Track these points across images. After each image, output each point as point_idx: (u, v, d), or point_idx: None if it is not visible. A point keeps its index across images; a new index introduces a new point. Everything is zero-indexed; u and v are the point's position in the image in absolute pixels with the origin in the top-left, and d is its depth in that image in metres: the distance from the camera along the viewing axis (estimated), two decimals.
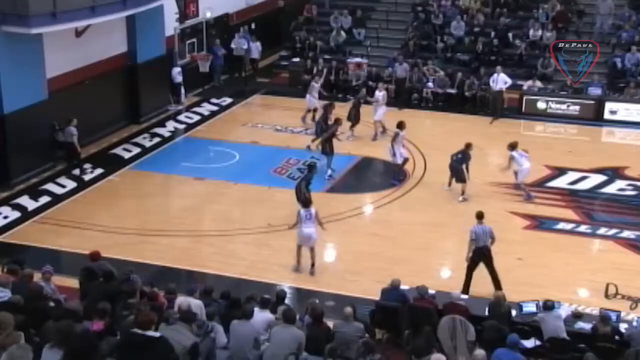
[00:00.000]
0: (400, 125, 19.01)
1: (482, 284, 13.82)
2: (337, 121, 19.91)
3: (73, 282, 12.82)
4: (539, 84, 24.58)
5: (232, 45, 27.19)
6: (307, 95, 22.91)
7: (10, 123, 18.19)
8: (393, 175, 19.15)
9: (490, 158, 21.34)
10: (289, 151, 20.36)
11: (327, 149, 19.26)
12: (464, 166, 17.96)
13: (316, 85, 23.09)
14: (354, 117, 21.83)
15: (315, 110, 22.60)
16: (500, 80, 23.41)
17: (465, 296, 12.65)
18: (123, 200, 18.31)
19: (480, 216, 13.99)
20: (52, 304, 10.44)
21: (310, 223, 14.62)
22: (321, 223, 14.90)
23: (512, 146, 17.90)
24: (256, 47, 27.37)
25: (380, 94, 21.87)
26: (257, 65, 27.84)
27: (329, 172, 19.17)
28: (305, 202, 15.23)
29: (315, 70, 26.15)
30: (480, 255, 13.75)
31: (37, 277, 11.65)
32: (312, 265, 14.85)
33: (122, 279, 11.43)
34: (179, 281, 12.88)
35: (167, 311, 9.89)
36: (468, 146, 18.10)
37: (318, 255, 15.66)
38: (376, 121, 21.71)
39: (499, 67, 23.90)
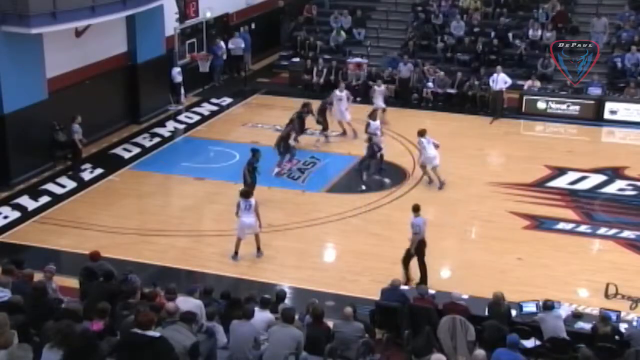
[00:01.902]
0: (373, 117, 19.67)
1: (482, 283, 13.84)
2: (292, 122, 20.18)
3: (73, 282, 12.83)
4: (538, 83, 24.57)
5: (231, 45, 27.17)
6: (375, 101, 22.62)
7: (10, 123, 18.19)
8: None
9: (490, 158, 21.40)
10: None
11: (282, 147, 19.39)
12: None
13: (378, 89, 22.86)
14: (323, 121, 21.71)
15: (384, 110, 22.49)
16: (500, 80, 23.40)
17: (465, 296, 12.64)
18: (123, 200, 18.31)
19: (417, 209, 14.37)
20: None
21: (248, 213, 14.90)
22: (259, 217, 15.07)
23: (421, 133, 18.45)
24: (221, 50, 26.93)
25: (342, 94, 21.72)
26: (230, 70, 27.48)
27: (277, 169, 19.29)
28: (248, 190, 15.49)
29: (315, 70, 26.15)
30: (424, 246, 14.13)
31: (37, 277, 11.65)
32: (258, 249, 15.25)
33: (120, 279, 11.44)
34: (179, 281, 12.88)
35: (163, 312, 9.87)
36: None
37: (318, 255, 15.74)
38: (348, 122, 21.72)
39: (499, 67, 23.89)
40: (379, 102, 22.63)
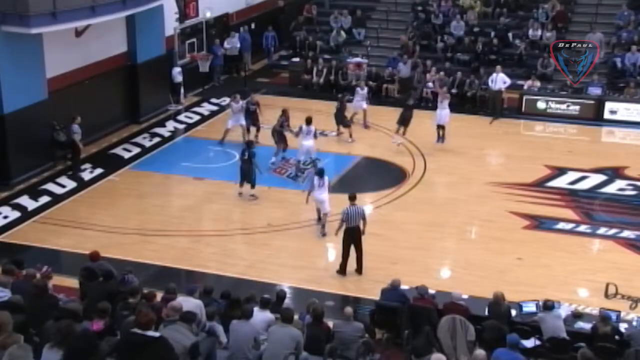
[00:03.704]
0: (308, 121, 19.49)
1: (482, 283, 13.85)
2: (284, 112, 20.21)
3: (73, 282, 12.84)
4: (538, 83, 24.56)
5: (227, 45, 27.13)
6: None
7: (10, 123, 18.19)
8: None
9: (490, 158, 21.41)
10: (289, 151, 20.30)
11: (276, 137, 20.02)
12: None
13: (362, 91, 22.68)
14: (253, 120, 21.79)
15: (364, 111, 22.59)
16: (499, 80, 23.40)
17: (465, 296, 12.64)
18: (123, 200, 18.31)
19: (352, 198, 14.80)
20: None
21: (322, 190, 16.00)
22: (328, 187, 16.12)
23: (307, 121, 18.98)
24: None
25: (239, 104, 21.46)
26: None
27: (273, 159, 19.92)
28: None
29: (315, 70, 26.13)
30: (352, 234, 14.51)
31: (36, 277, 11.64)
32: (322, 226, 16.17)
33: (118, 279, 11.44)
34: (179, 281, 12.89)
35: (167, 309, 9.86)
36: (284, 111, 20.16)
37: (320, 255, 15.73)
38: (229, 129, 21.60)
39: (498, 67, 23.89)
40: (361, 103, 22.47)
